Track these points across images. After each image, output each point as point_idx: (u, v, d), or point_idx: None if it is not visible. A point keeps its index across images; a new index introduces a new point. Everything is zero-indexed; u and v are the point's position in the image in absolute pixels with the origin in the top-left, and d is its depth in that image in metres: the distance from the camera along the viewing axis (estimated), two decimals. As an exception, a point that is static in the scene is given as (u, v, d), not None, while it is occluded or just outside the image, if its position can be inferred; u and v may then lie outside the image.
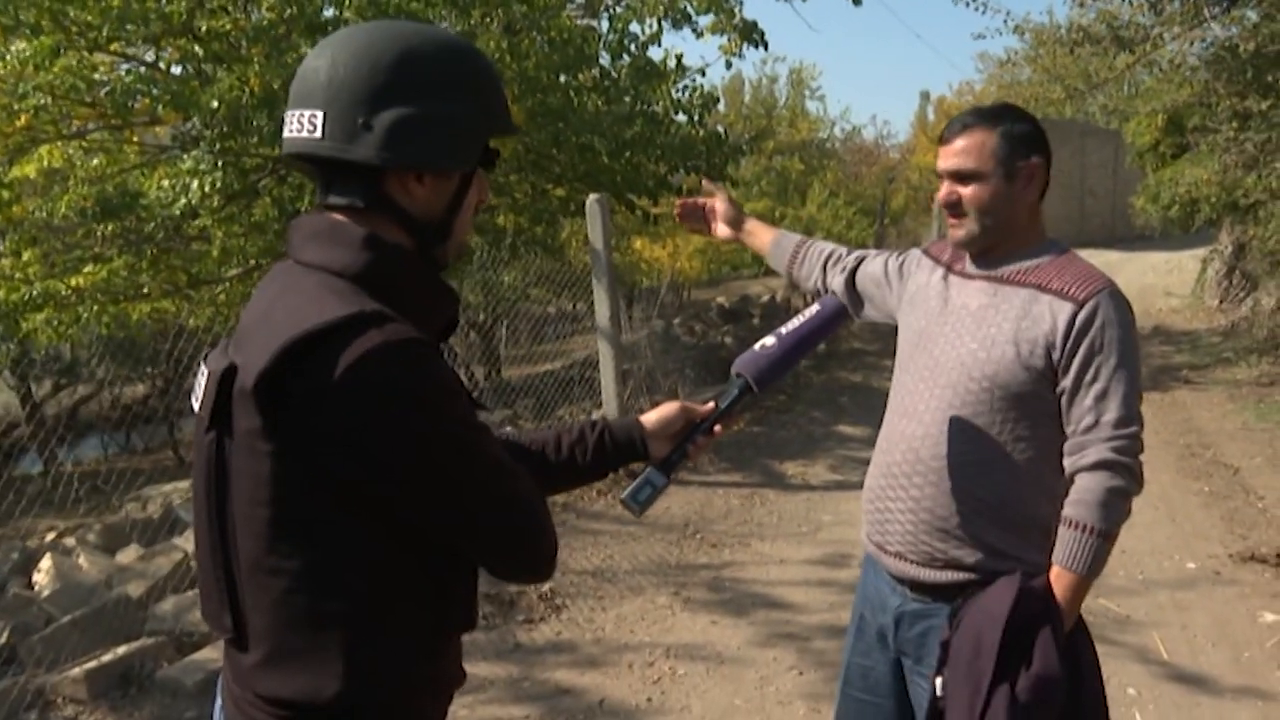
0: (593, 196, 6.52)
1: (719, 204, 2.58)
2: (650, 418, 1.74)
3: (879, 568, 2.25)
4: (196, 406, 1.36)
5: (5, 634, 4.24)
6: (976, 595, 2.04)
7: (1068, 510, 1.99)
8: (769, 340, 1.85)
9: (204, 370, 1.36)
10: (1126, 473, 1.97)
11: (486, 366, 13.91)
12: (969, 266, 2.18)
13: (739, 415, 1.86)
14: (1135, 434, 1.98)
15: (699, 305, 16.49)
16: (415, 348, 1.26)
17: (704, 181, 2.79)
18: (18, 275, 7.71)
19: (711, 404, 1.78)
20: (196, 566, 1.39)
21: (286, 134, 1.36)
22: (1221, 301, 13.95)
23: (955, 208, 2.10)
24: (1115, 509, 1.97)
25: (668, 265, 17.82)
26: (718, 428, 1.77)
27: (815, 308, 1.89)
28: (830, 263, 2.49)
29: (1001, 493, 2.05)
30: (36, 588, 4.93)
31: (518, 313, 11.78)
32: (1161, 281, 16.00)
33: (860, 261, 2.46)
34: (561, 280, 9.22)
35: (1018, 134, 2.06)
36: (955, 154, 2.09)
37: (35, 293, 7.46)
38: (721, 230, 2.58)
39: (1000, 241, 2.11)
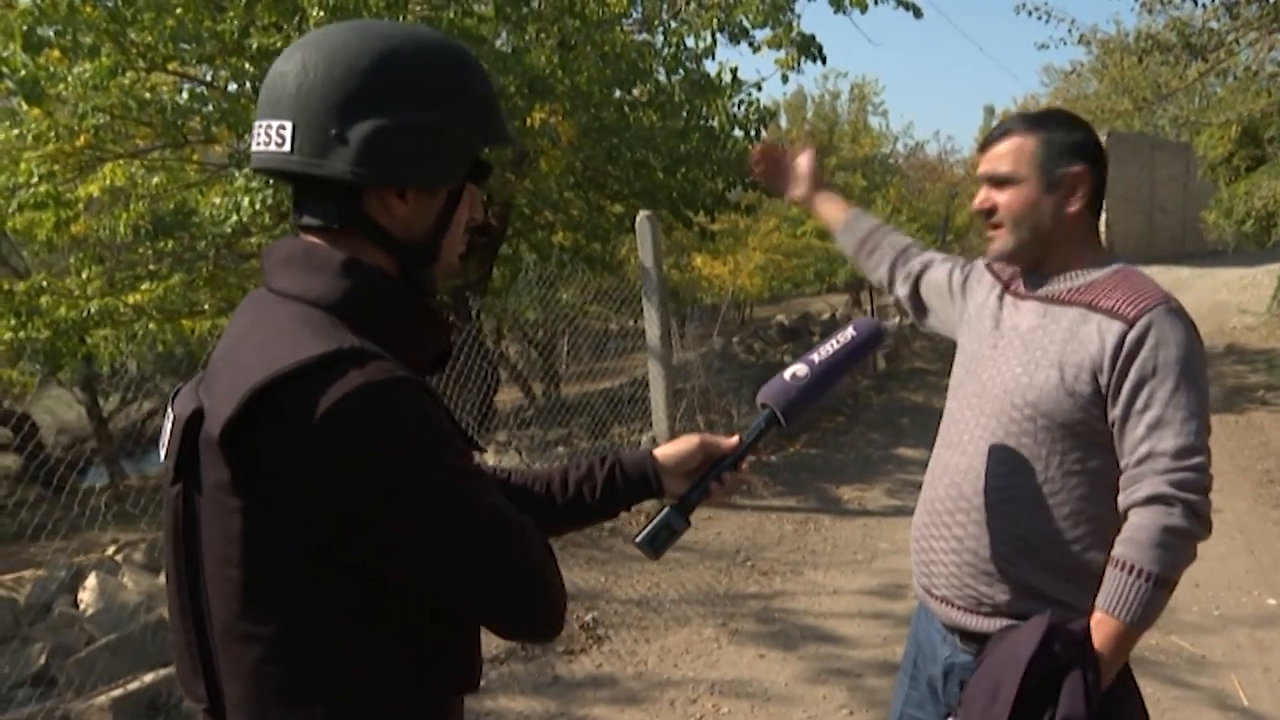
0: (643, 213, 6.40)
1: (803, 160, 2.42)
2: (665, 452, 1.58)
3: (930, 613, 2.08)
4: (162, 455, 1.23)
5: (44, 655, 4.20)
6: (1003, 634, 1.86)
7: (1116, 549, 1.79)
8: (799, 368, 1.67)
9: (170, 414, 1.23)
10: (1187, 510, 1.74)
11: (545, 383, 13.88)
12: (1022, 285, 2.02)
13: (765, 449, 1.70)
14: (1199, 466, 1.77)
15: (759, 323, 16.32)
16: (401, 388, 1.12)
17: (796, 143, 2.63)
18: (77, 293, 7.80)
19: (736, 438, 1.62)
20: (171, 629, 1.27)
21: (254, 147, 1.23)
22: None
23: (990, 215, 1.95)
24: (1172, 551, 1.75)
25: (729, 282, 17.67)
26: (744, 465, 1.61)
27: (850, 331, 1.71)
28: (900, 260, 2.35)
29: (1048, 533, 1.86)
30: (81, 606, 4.91)
31: (578, 329, 11.71)
32: (1235, 299, 15.52)
33: (925, 268, 2.31)
34: (619, 297, 9.11)
35: (1060, 140, 1.90)
36: (993, 158, 1.95)
37: (93, 310, 7.53)
38: (796, 190, 2.43)
39: (1045, 256, 1.95)
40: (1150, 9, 8.57)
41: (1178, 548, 1.75)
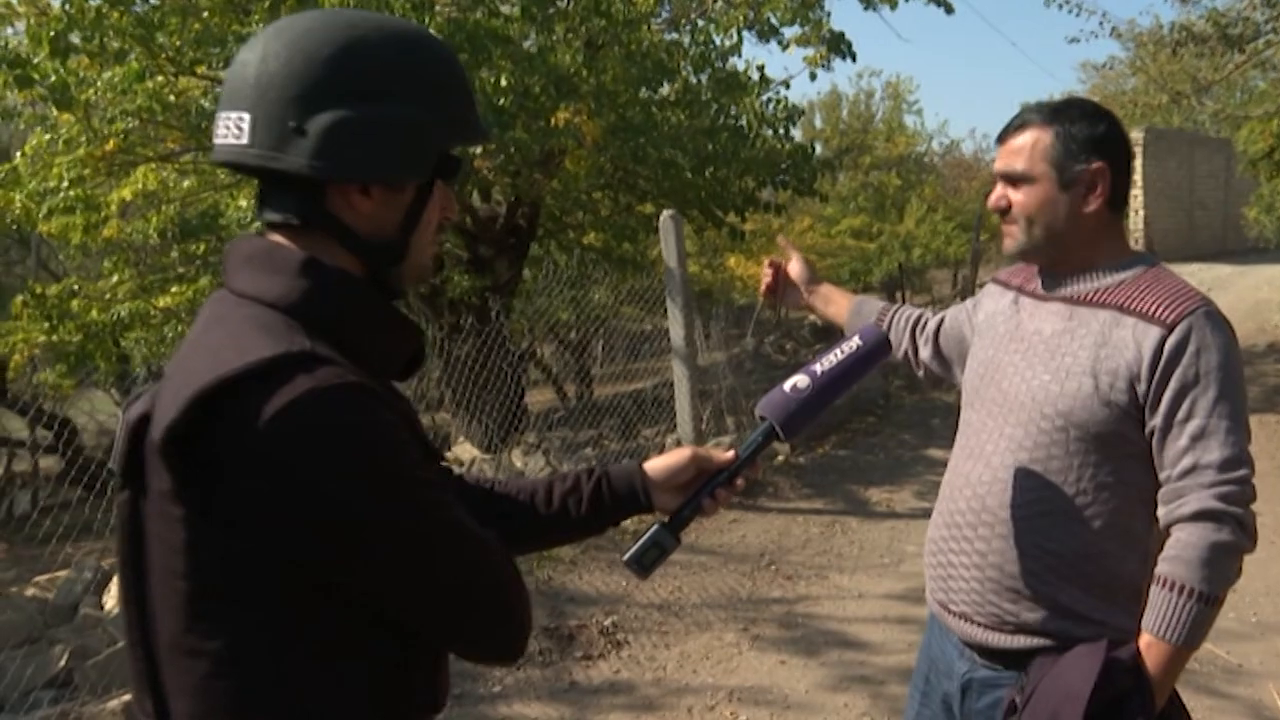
0: (666, 213, 6.35)
1: (794, 267, 2.37)
2: (656, 465, 1.52)
3: (945, 628, 2.00)
4: (112, 460, 1.19)
5: (65, 657, 4.21)
6: (1053, 662, 1.77)
7: (1162, 568, 1.70)
8: (800, 379, 1.57)
9: (121, 418, 1.19)
10: (1235, 524, 1.66)
11: (579, 384, 13.87)
12: (1040, 287, 1.94)
13: (761, 463, 1.62)
14: (1245, 478, 1.68)
15: (792, 323, 16.19)
16: (352, 394, 1.07)
17: (779, 239, 2.59)
18: (108, 296, 7.87)
19: (731, 452, 1.56)
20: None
21: (215, 140, 1.19)
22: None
23: (1006, 213, 1.88)
24: (1221, 567, 1.66)
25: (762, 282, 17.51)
26: (739, 480, 1.54)
27: (855, 341, 1.62)
28: (917, 327, 2.27)
29: (1080, 547, 1.78)
30: (106, 608, 4.93)
31: (613, 330, 11.68)
32: (1277, 296, 15.24)
33: (941, 321, 2.24)
34: (650, 297, 9.06)
35: (1078, 134, 1.81)
36: (1007, 154, 1.87)
37: (124, 313, 7.60)
38: (800, 300, 2.38)
39: (1063, 255, 1.87)
40: (1185, 0, 8.40)
41: (1226, 564, 1.67)
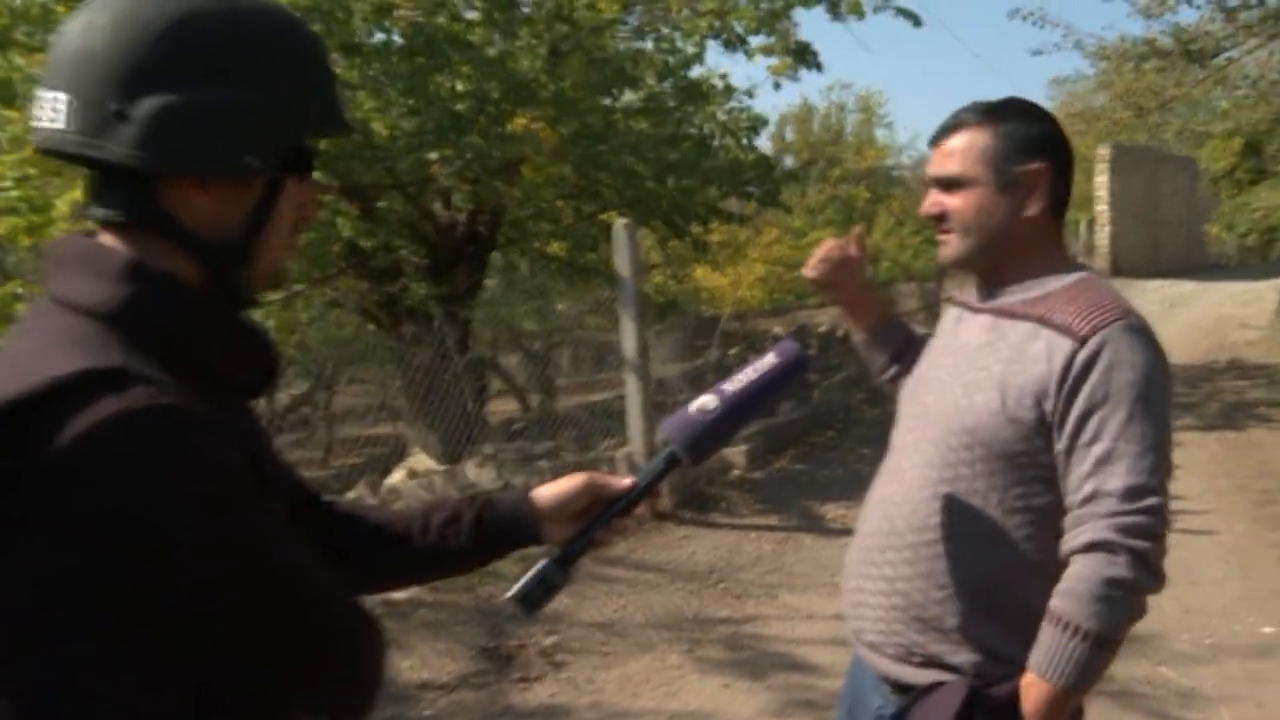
0: (620, 221, 6.26)
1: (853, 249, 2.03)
2: (546, 493, 1.38)
3: (861, 660, 1.88)
4: None
5: None
6: (925, 696, 1.66)
7: (1052, 602, 1.57)
8: (708, 400, 1.42)
9: None
10: (1133, 559, 1.52)
11: (542, 395, 13.73)
12: (976, 298, 1.83)
13: (660, 490, 1.49)
14: (1151, 509, 1.54)
15: (758, 335, 16.12)
16: (166, 416, 0.94)
17: (853, 229, 2.21)
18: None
19: (629, 479, 1.42)
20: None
21: (33, 122, 1.06)
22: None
23: (941, 221, 1.75)
24: (1115, 606, 1.52)
25: (729, 294, 17.52)
26: (637, 509, 1.41)
27: (770, 358, 1.48)
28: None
29: (989, 576, 1.66)
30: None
31: (579, 340, 11.57)
32: (1239, 312, 15.39)
33: None
34: (614, 307, 8.94)
35: (1016, 134, 1.70)
36: (941, 156, 1.75)
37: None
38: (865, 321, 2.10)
39: (1002, 264, 1.75)
40: (1148, 14, 8.38)
41: (1121, 602, 1.53)
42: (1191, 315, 16.11)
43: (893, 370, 2.08)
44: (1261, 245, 12.71)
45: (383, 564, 1.33)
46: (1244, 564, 5.37)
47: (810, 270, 2.00)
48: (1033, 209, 1.71)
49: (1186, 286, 17.96)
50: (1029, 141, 1.70)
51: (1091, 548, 1.54)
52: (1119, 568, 1.52)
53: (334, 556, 1.16)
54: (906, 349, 2.06)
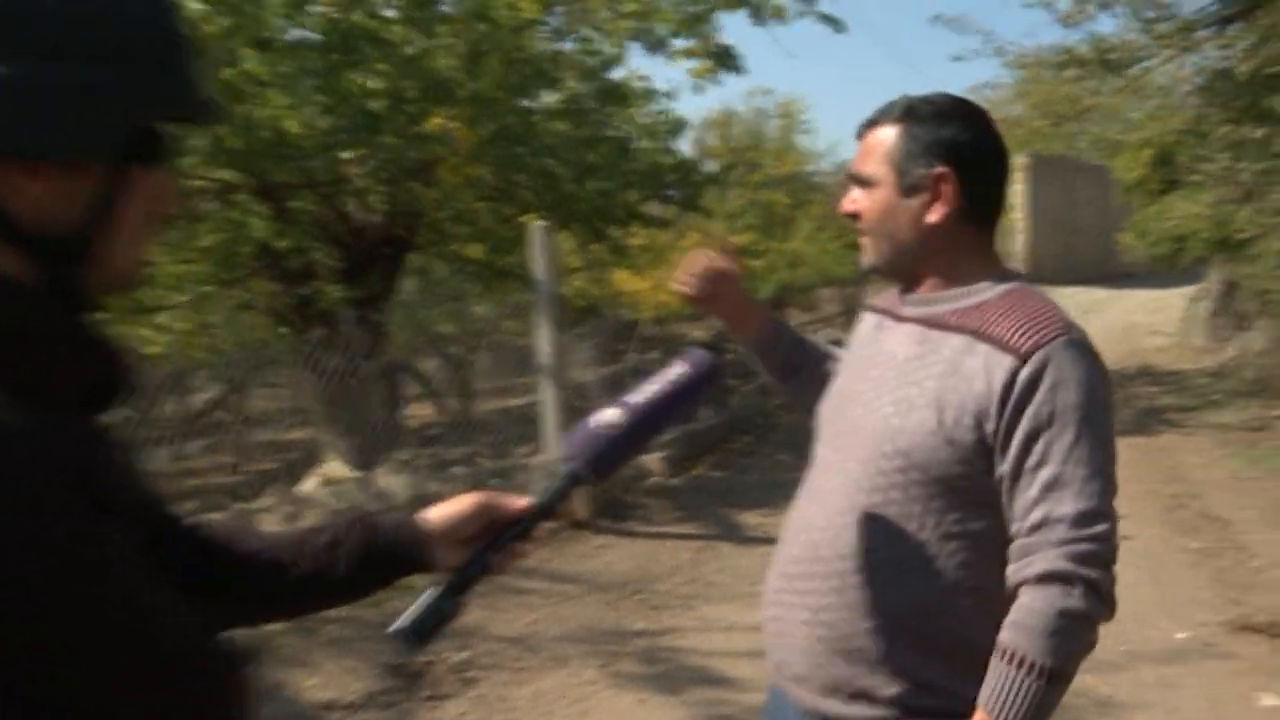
0: (536, 223, 6.14)
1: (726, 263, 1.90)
2: (436, 515, 1.25)
3: (784, 694, 1.76)
4: None
5: None
6: None
7: (1003, 635, 1.47)
8: (612, 413, 1.31)
9: None
10: (1088, 589, 1.43)
11: (460, 399, 13.53)
12: (900, 307, 1.73)
13: (570, 503, 1.37)
14: (1103, 535, 1.45)
15: (677, 340, 16.09)
16: None
17: (721, 238, 2.05)
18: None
19: (526, 499, 1.30)
20: None
21: None
22: (1209, 342, 13.68)
23: (856, 219, 1.67)
24: (1069, 638, 1.43)
25: (650, 298, 17.45)
26: (536, 532, 1.28)
27: (678, 368, 1.37)
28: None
29: (921, 605, 1.56)
30: None
31: (498, 344, 11.41)
32: (1148, 320, 15.77)
33: None
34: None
35: (921, 134, 1.60)
36: (860, 152, 1.66)
37: None
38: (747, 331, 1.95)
39: (918, 271, 1.66)
40: (1067, 22, 8.48)
41: (1076, 634, 1.44)
42: (1104, 321, 16.43)
43: (794, 382, 1.97)
44: (1171, 254, 13.02)
45: (255, 595, 1.20)
46: (1156, 569, 5.41)
47: (681, 285, 1.88)
48: (935, 215, 1.61)
49: (1099, 293, 18.34)
50: (934, 144, 1.60)
51: (1045, 579, 1.45)
52: (1074, 599, 1.43)
53: (201, 587, 1.03)
54: (801, 356, 1.96)
